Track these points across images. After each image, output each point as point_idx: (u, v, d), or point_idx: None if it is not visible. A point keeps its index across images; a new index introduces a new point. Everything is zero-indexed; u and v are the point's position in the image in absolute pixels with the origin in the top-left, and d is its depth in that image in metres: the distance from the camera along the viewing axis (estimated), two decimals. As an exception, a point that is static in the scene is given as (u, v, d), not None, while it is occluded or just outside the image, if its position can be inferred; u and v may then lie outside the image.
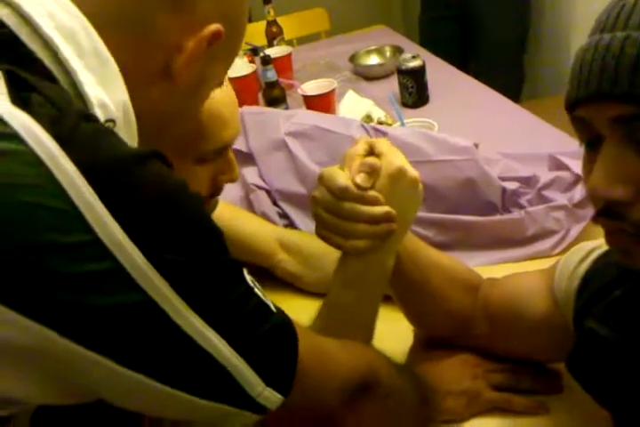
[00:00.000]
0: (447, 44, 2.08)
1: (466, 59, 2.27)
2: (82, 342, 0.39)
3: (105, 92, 0.44)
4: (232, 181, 0.76)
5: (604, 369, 0.58)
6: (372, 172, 0.65)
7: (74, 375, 0.41)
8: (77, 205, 0.38)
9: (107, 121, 0.44)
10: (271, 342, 0.48)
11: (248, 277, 0.47)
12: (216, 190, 0.76)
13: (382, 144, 0.68)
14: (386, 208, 0.65)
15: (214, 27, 0.48)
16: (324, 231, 0.66)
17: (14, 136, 0.37)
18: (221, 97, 0.70)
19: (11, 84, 0.40)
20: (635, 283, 0.57)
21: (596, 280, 0.61)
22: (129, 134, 0.47)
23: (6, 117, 0.38)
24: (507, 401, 0.73)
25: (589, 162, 0.48)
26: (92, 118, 0.42)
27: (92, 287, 0.38)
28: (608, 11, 0.46)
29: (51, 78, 0.43)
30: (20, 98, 0.39)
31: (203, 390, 0.44)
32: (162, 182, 0.42)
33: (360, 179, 0.64)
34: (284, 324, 0.50)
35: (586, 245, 0.66)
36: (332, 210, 0.64)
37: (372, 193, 0.65)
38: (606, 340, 0.57)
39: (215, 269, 0.44)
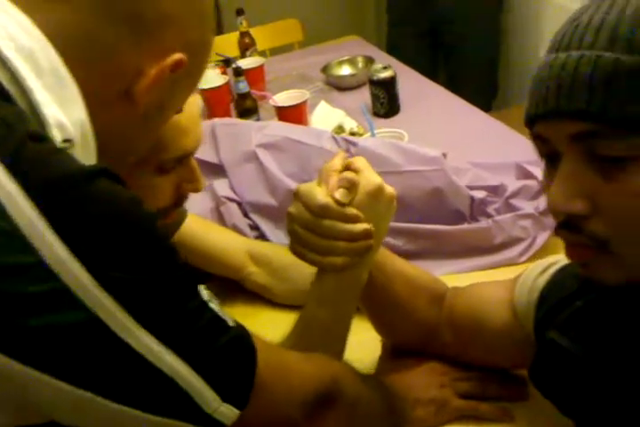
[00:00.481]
0: (416, 59, 2.09)
1: (435, 70, 2.30)
2: (30, 363, 0.39)
3: (63, 111, 0.44)
4: (197, 190, 0.75)
5: (566, 379, 0.59)
6: (351, 187, 0.65)
7: (24, 396, 0.41)
8: (18, 224, 0.38)
9: (64, 141, 0.44)
10: (227, 357, 0.47)
11: (204, 292, 0.47)
12: (180, 200, 0.75)
13: (359, 161, 0.69)
14: (365, 226, 0.65)
15: (177, 56, 0.49)
16: (299, 248, 0.66)
17: None
18: None
19: None
20: (595, 294, 0.58)
21: (556, 292, 0.63)
22: (87, 154, 0.46)
23: None
24: (474, 409, 0.74)
25: (549, 176, 0.49)
26: (40, 138, 0.41)
27: (36, 307, 0.38)
28: (563, 30, 0.48)
29: (7, 99, 0.43)
30: None
31: (156, 407, 0.44)
32: (110, 199, 0.41)
33: (339, 194, 0.64)
34: (241, 338, 0.50)
35: (545, 261, 0.67)
36: (310, 227, 0.64)
37: (352, 211, 0.65)
38: (567, 351, 0.58)
39: (166, 286, 0.43)
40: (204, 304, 0.47)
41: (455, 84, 2.04)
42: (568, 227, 0.48)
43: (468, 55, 2.19)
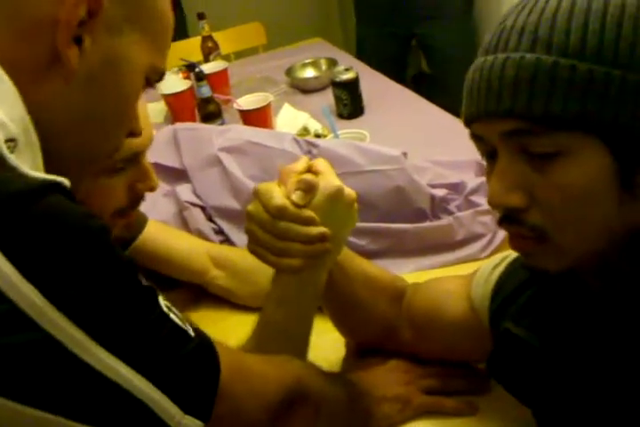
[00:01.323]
0: (387, 60, 2.07)
1: (404, 71, 2.29)
2: None
3: (1, 110, 0.42)
4: (151, 189, 0.75)
5: (521, 368, 0.60)
6: (309, 189, 0.65)
7: None
8: None
9: (7, 141, 0.42)
10: (189, 369, 0.47)
11: (163, 303, 0.46)
12: (135, 201, 0.75)
13: (320, 163, 0.69)
14: (321, 229, 0.65)
15: None
16: (257, 248, 0.66)
17: None
18: None
19: None
20: (543, 283, 0.59)
21: (510, 283, 0.64)
22: (32, 153, 0.45)
23: None
24: (438, 405, 0.75)
25: (490, 172, 0.51)
26: None
27: None
28: (491, 34, 0.50)
29: None
30: None
31: (119, 425, 0.43)
32: (58, 217, 0.40)
33: (296, 196, 0.64)
34: (203, 348, 0.49)
35: (501, 254, 0.69)
36: (266, 228, 0.65)
37: (308, 213, 0.65)
38: (521, 339, 0.60)
39: (121, 301, 0.43)
40: (164, 316, 0.46)
41: (434, 84, 2.02)
42: (508, 220, 0.50)
43: (445, 56, 2.14)
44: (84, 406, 0.42)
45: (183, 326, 0.47)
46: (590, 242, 0.49)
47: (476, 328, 0.68)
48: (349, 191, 0.69)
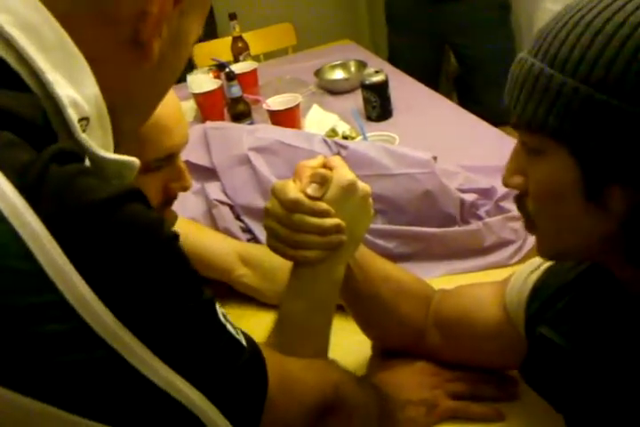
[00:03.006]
0: (421, 67, 2.03)
1: (438, 77, 2.25)
2: (49, 401, 0.38)
3: (75, 89, 0.42)
4: (185, 189, 0.76)
5: (556, 373, 0.60)
6: (323, 182, 0.66)
7: None
8: (43, 265, 0.36)
9: (80, 119, 0.42)
10: (241, 382, 0.47)
11: (219, 312, 0.46)
12: (169, 199, 0.75)
13: (335, 159, 0.70)
14: (335, 220, 0.66)
15: None
16: (275, 242, 0.68)
17: None
18: (161, 104, 0.69)
19: None
20: (581, 289, 0.59)
21: (547, 288, 0.64)
22: (103, 130, 0.45)
23: None
24: (464, 410, 0.75)
25: None
26: (65, 158, 0.39)
27: (56, 346, 0.37)
28: (538, 32, 0.51)
29: (19, 82, 0.41)
30: None
31: None
32: (131, 231, 0.39)
33: (311, 189, 0.66)
34: (254, 359, 0.49)
35: (536, 259, 0.68)
36: (282, 222, 0.66)
37: (322, 205, 0.66)
38: (556, 345, 0.59)
39: (186, 318, 0.42)
40: (222, 327, 0.46)
41: (472, 94, 1.99)
42: (517, 202, 0.56)
43: (484, 65, 2.08)
44: (142, 421, 0.42)
45: (237, 336, 0.47)
46: (568, 241, 0.52)
47: (509, 335, 0.67)
48: (363, 185, 0.70)
